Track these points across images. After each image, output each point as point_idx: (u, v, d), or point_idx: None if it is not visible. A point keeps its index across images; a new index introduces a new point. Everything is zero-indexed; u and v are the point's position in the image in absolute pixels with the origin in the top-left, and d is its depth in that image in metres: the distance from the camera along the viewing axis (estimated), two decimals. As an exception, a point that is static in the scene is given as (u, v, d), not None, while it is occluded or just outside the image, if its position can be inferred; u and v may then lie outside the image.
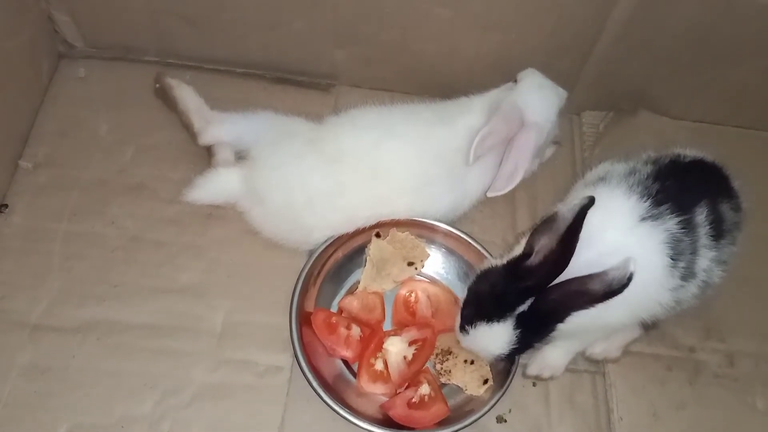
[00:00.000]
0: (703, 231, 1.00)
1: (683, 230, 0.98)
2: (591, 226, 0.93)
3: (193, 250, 1.25)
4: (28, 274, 1.19)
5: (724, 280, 1.06)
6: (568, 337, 1.11)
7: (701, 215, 1.00)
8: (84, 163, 1.31)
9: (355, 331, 1.17)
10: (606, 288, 0.89)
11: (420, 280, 1.25)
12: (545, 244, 0.93)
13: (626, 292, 0.93)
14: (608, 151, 1.37)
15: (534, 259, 0.94)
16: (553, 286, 0.93)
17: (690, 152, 1.12)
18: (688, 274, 1.00)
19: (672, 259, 0.97)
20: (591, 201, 0.91)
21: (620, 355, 1.20)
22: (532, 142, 1.14)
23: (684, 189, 1.01)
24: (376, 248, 1.23)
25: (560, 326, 0.97)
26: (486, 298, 0.98)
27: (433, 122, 1.20)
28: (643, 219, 0.98)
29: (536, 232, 0.95)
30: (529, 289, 0.94)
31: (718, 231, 1.01)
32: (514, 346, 0.97)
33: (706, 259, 1.01)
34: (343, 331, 1.17)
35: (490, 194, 1.16)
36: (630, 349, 1.21)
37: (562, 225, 0.91)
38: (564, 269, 0.92)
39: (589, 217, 0.92)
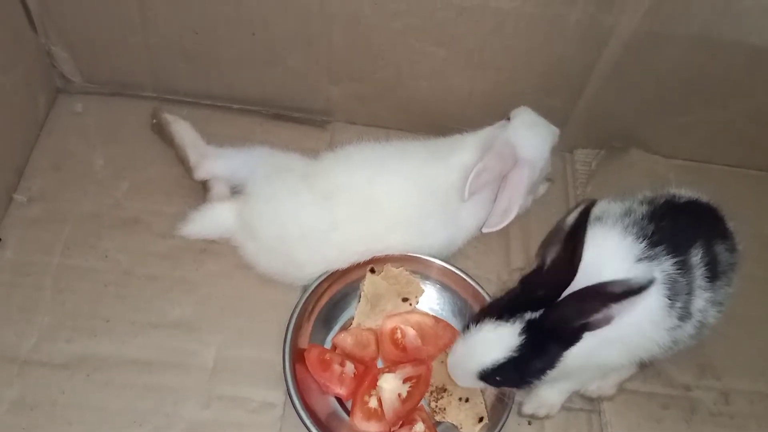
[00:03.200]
0: (699, 272, 1.00)
1: (679, 271, 0.98)
2: (588, 265, 0.93)
3: (186, 285, 1.24)
4: (18, 308, 1.18)
5: (719, 320, 1.06)
6: (566, 376, 1.10)
7: (696, 256, 1.00)
8: (78, 197, 1.31)
9: (349, 367, 1.16)
10: (626, 288, 0.86)
11: (398, 313, 1.23)
12: (552, 252, 0.93)
13: (623, 332, 0.94)
14: (600, 189, 1.39)
15: (545, 269, 0.94)
16: (569, 294, 0.91)
17: (685, 193, 1.12)
18: (684, 315, 0.99)
19: (669, 300, 0.97)
20: (592, 203, 0.92)
21: (615, 393, 1.19)
22: (525, 178, 1.15)
23: (679, 230, 1.02)
24: (370, 284, 1.23)
25: (565, 357, 0.94)
26: (497, 302, 0.96)
27: (427, 159, 1.21)
28: (640, 260, 0.97)
29: (543, 244, 0.96)
30: (541, 298, 0.91)
31: (714, 272, 1.01)
32: (515, 355, 0.92)
33: (701, 300, 1.00)
34: (336, 367, 1.16)
35: (484, 230, 1.16)
36: (625, 387, 1.21)
37: (566, 230, 0.91)
38: (573, 275, 0.90)
39: (587, 257, 0.91)
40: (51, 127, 1.39)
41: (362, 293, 1.23)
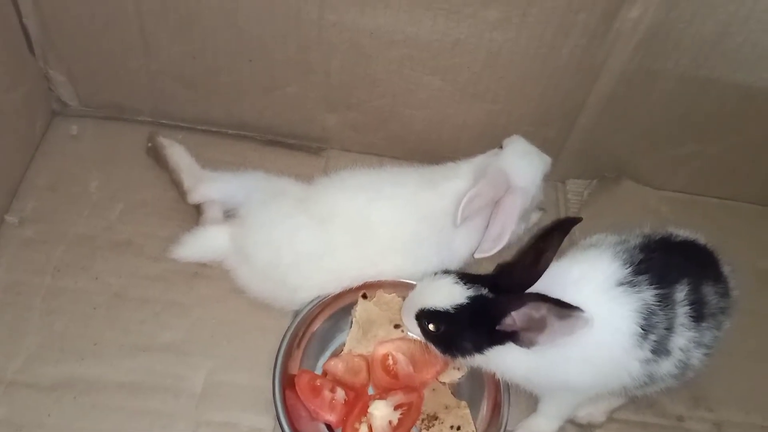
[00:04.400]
0: (683, 310, 0.99)
1: (659, 303, 0.98)
2: (571, 279, 0.98)
3: (177, 308, 1.23)
4: (6, 329, 1.17)
5: (705, 362, 1.05)
6: (539, 390, 1.11)
7: (681, 293, 1.00)
8: (71, 219, 1.31)
9: (340, 394, 1.15)
10: (558, 302, 0.91)
11: (390, 340, 1.22)
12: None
13: (588, 350, 0.97)
14: (592, 218, 1.40)
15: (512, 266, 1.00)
16: (520, 294, 0.96)
17: (684, 233, 1.13)
18: (660, 350, 0.99)
19: (643, 330, 0.97)
20: (578, 219, 1.01)
21: (605, 420, 1.18)
22: (518, 205, 1.16)
23: (668, 264, 1.02)
24: (362, 310, 1.22)
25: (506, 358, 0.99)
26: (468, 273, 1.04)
27: (421, 185, 1.22)
28: (621, 284, 0.99)
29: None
30: (503, 287, 0.98)
31: (700, 313, 1.01)
32: (451, 312, 0.98)
33: (683, 339, 1.00)
34: (327, 394, 1.14)
35: (477, 256, 1.16)
36: (617, 417, 1.20)
37: (536, 234, 0.98)
38: (536, 278, 0.96)
39: (572, 271, 0.97)
40: (46, 149, 1.40)
41: (354, 319, 1.22)
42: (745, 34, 1.17)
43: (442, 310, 0.99)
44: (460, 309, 0.98)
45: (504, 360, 1.01)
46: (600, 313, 0.95)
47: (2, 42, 1.25)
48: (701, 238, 1.12)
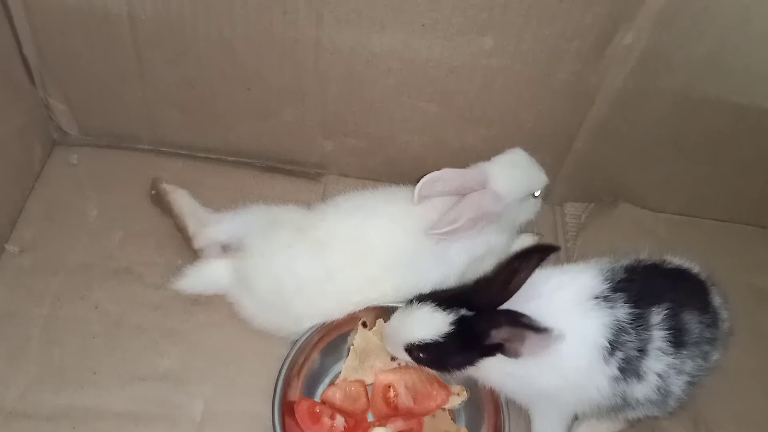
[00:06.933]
0: (659, 333, 0.99)
1: (631, 323, 0.98)
2: (549, 286, 1.01)
3: (175, 336, 1.23)
4: (4, 358, 1.16)
5: (693, 390, 1.05)
6: (520, 400, 1.11)
7: (657, 316, 1.00)
8: (70, 248, 1.31)
9: (339, 421, 1.14)
10: (528, 323, 0.92)
11: (393, 369, 1.21)
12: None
13: (557, 359, 0.97)
14: (590, 241, 1.41)
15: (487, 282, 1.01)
16: (502, 310, 0.97)
17: (678, 260, 1.12)
18: (628, 370, 0.99)
19: (609, 345, 0.98)
20: (557, 248, 1.01)
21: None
22: (483, 202, 1.16)
23: (648, 287, 1.02)
24: (361, 338, 1.21)
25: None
26: (445, 291, 1.06)
27: (412, 200, 1.22)
28: (596, 297, 1.00)
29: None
30: (482, 303, 0.99)
31: (679, 339, 1.00)
32: (440, 340, 0.99)
33: (660, 364, 1.00)
34: (326, 421, 1.14)
35: (429, 232, 1.16)
36: (617, 441, 1.19)
37: (511, 254, 0.99)
38: (507, 297, 0.97)
39: (552, 279, 1.01)
40: (46, 178, 1.40)
41: (351, 347, 1.21)
42: (737, 58, 1.18)
43: (431, 341, 1.00)
44: (448, 337, 0.99)
45: (484, 367, 1.02)
46: (570, 323, 0.96)
47: (2, 71, 1.26)
48: (695, 267, 1.12)
